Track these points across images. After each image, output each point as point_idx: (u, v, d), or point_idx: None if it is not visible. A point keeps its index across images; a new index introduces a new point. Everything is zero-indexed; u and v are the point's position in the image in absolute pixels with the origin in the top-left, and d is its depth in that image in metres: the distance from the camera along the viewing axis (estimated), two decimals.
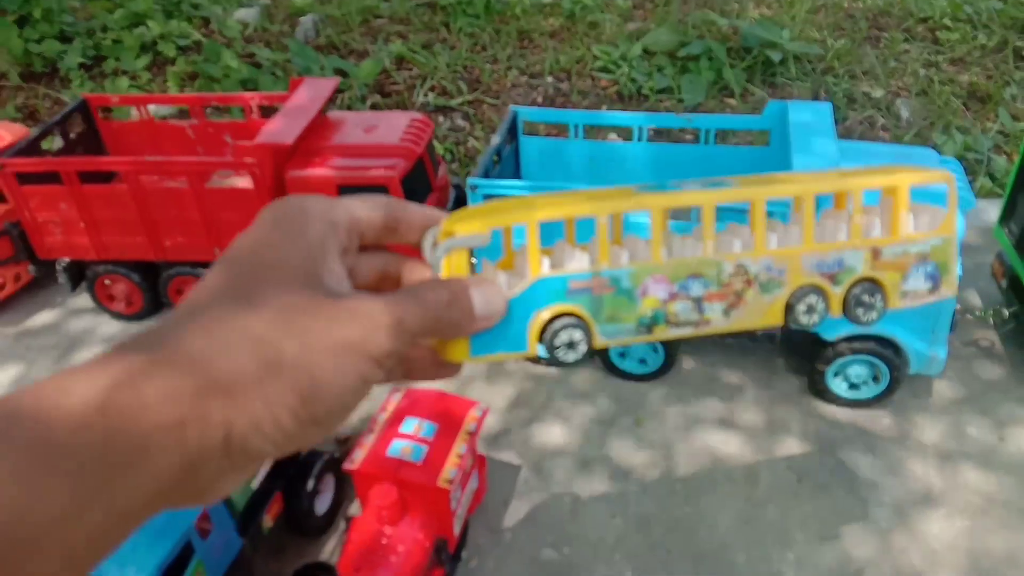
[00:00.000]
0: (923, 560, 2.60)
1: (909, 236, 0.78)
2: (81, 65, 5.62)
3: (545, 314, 0.70)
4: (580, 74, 5.61)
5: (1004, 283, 3.29)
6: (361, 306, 0.58)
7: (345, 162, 3.20)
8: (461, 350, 0.68)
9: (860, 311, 0.78)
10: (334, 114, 3.54)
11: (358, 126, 3.39)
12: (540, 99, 5.47)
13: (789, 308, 0.76)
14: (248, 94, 3.69)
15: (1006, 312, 3.20)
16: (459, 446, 2.47)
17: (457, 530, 2.52)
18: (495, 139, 3.26)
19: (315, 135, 3.32)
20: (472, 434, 2.53)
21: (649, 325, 0.73)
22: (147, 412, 0.49)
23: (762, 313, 0.76)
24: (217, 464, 0.52)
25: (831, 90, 5.29)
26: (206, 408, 0.50)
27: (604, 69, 5.62)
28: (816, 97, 5.30)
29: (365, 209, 0.67)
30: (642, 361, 3.19)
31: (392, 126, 3.36)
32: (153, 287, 3.52)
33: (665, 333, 0.73)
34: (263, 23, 6.25)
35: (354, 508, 2.76)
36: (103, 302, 3.60)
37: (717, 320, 0.75)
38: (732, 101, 5.40)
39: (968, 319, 3.27)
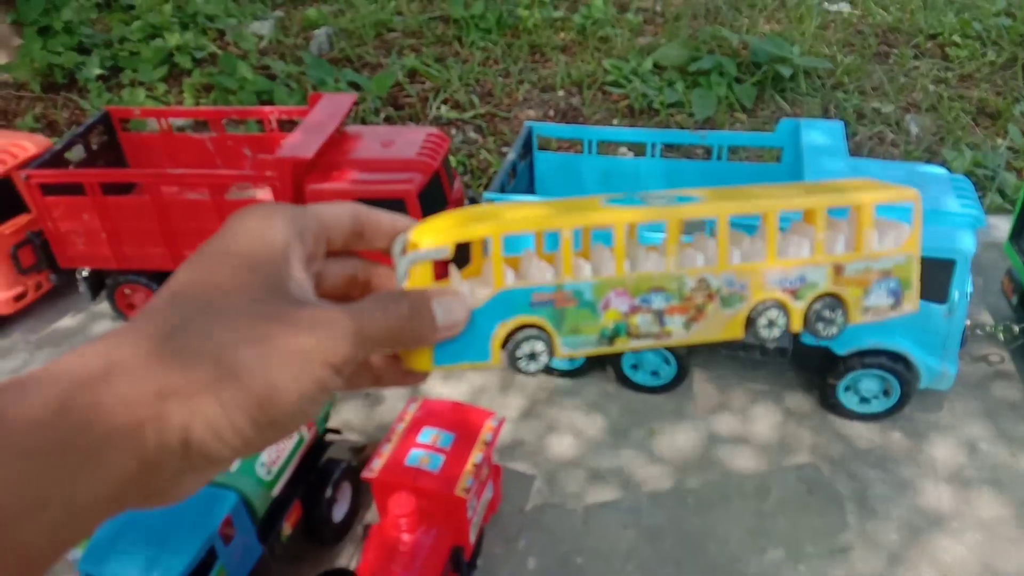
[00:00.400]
0: (934, 575, 2.63)
1: (872, 253, 0.79)
2: (99, 76, 5.69)
3: (508, 325, 0.71)
4: (591, 88, 5.67)
5: (1014, 300, 3.33)
6: (322, 314, 0.59)
7: (363, 176, 3.25)
8: (424, 359, 0.69)
9: (820, 326, 0.79)
10: (352, 128, 3.60)
11: (376, 140, 3.45)
12: (552, 112, 5.52)
13: (750, 322, 0.78)
14: (267, 108, 3.75)
15: (1016, 328, 3.24)
16: (475, 456, 2.51)
17: (473, 538, 2.56)
18: (511, 154, 3.31)
19: (334, 149, 3.37)
20: (488, 444, 2.57)
21: (611, 337, 0.74)
22: (104, 414, 0.50)
23: (723, 326, 0.77)
24: (176, 466, 0.54)
25: (841, 105, 5.33)
26: (164, 411, 0.52)
27: (615, 83, 5.67)
28: (826, 112, 5.35)
29: (332, 215, 0.68)
30: (654, 373, 3.24)
31: (409, 141, 3.41)
32: None
33: (626, 345, 0.75)
34: (277, 35, 6.32)
35: (371, 516, 2.80)
36: (123, 311, 3.65)
37: (678, 333, 0.76)
38: (742, 116, 5.45)
39: (978, 335, 3.31)
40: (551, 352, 0.73)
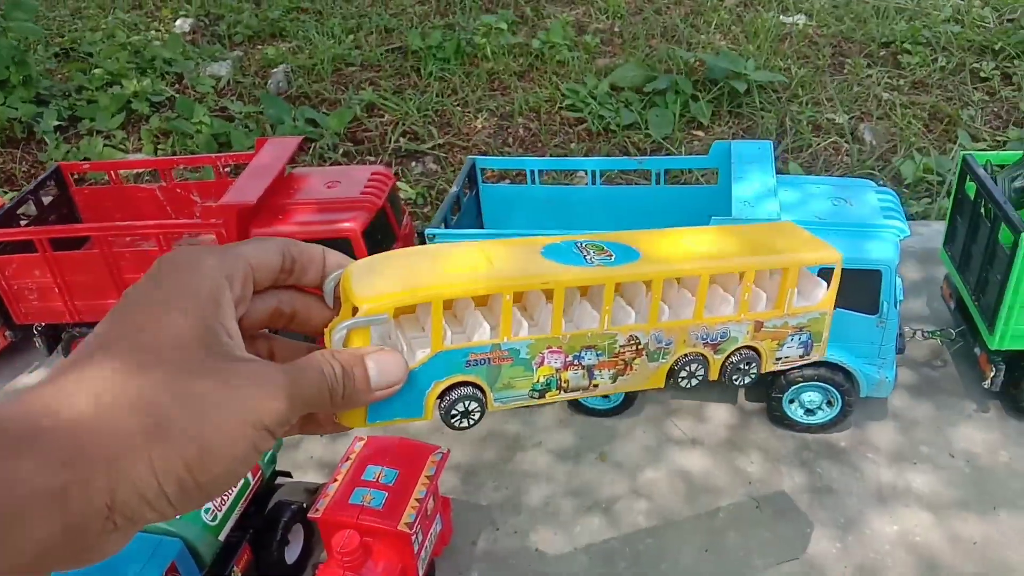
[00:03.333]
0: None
1: (792, 311, 0.83)
2: (57, 128, 5.74)
3: (444, 383, 0.71)
4: (549, 113, 5.73)
5: (952, 304, 3.38)
6: (256, 374, 0.57)
7: (308, 217, 3.30)
8: (357, 416, 0.68)
9: (735, 377, 0.83)
10: (299, 171, 3.65)
11: (321, 181, 3.49)
12: (511, 140, 5.59)
13: (672, 373, 0.81)
14: (215, 155, 3.80)
15: (953, 332, 3.29)
16: (418, 491, 2.54)
17: (422, 572, 2.58)
18: (453, 188, 3.37)
19: (279, 193, 3.42)
20: (432, 478, 2.60)
21: (542, 391, 0.75)
22: (23, 482, 0.48)
23: (646, 378, 0.80)
24: (100, 527, 0.51)
25: (795, 118, 5.40)
26: (88, 474, 0.49)
27: (572, 107, 5.74)
28: (781, 125, 5.41)
29: (260, 255, 0.66)
30: (605, 397, 3.28)
31: (353, 180, 3.46)
32: None
33: (556, 397, 0.77)
34: (236, 76, 6.38)
35: (324, 556, 2.83)
36: None
37: (605, 385, 0.78)
38: (700, 133, 5.52)
39: (919, 340, 3.36)
40: (483, 408, 0.74)
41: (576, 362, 0.75)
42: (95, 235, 3.32)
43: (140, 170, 4.68)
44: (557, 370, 0.75)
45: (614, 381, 0.78)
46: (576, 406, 3.32)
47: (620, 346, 0.76)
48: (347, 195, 3.37)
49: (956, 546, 2.76)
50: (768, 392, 3.14)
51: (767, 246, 0.82)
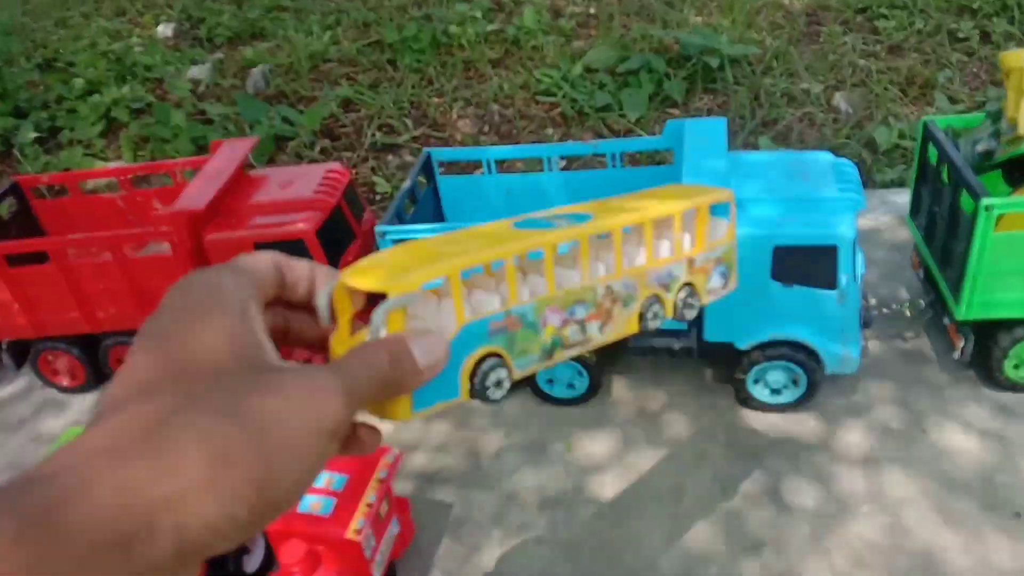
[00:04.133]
0: (845, 562, 2.62)
1: (711, 244, 0.96)
2: (36, 139, 5.73)
3: (474, 356, 0.74)
4: (524, 99, 5.68)
5: (920, 273, 3.31)
6: (307, 380, 0.54)
7: (261, 220, 3.27)
8: (404, 408, 0.68)
9: (685, 311, 0.95)
10: (256, 172, 3.62)
11: (276, 183, 3.46)
12: (487, 128, 5.54)
13: (641, 317, 0.90)
14: (173, 161, 3.77)
15: (922, 303, 3.22)
16: (369, 496, 2.52)
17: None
18: (406, 183, 3.33)
19: (234, 196, 3.39)
20: (383, 481, 2.57)
21: (550, 351, 0.80)
22: (86, 532, 0.44)
23: (625, 324, 0.88)
24: (169, 571, 0.49)
25: (769, 91, 5.32)
26: (153, 519, 0.46)
27: (547, 92, 5.68)
28: (756, 98, 5.34)
29: (261, 270, 0.65)
30: (570, 386, 3.24)
31: (308, 179, 3.42)
32: (94, 359, 3.60)
33: (561, 356, 0.82)
34: (215, 79, 6.35)
35: None
36: (48, 377, 3.68)
37: (595, 337, 0.85)
38: (675, 111, 5.45)
39: (885, 313, 3.30)
40: (510, 377, 0.78)
41: (571, 317, 0.82)
42: (50, 249, 3.30)
43: (99, 180, 4.64)
44: (557, 328, 0.81)
45: (601, 332, 0.85)
46: (542, 396, 3.28)
47: (601, 296, 0.84)
48: (300, 195, 3.34)
49: (932, 517, 2.71)
50: (731, 374, 3.09)
51: (681, 196, 0.96)
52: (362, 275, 0.69)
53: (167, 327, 0.56)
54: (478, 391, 0.74)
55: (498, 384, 0.76)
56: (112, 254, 3.28)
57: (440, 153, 3.57)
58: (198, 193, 3.28)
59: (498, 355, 0.76)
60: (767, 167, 2.99)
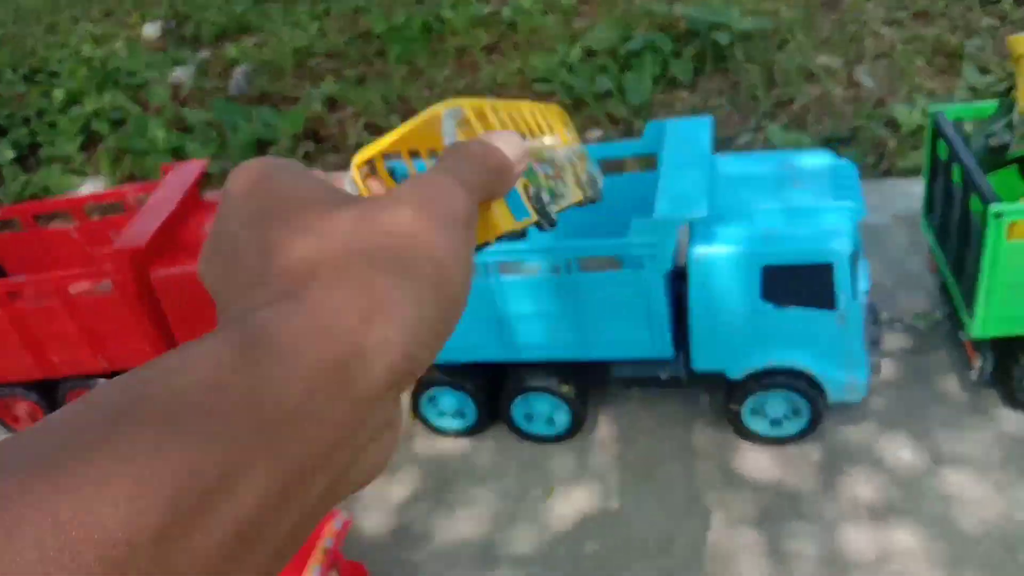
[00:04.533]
0: None
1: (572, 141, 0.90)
2: (15, 158, 5.54)
3: (523, 181, 0.69)
4: (519, 88, 5.36)
5: (938, 278, 2.96)
6: (422, 185, 0.50)
7: None
8: (504, 214, 0.62)
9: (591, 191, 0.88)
10: (211, 195, 3.37)
11: None
12: None
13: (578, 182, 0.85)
14: (125, 187, 3.54)
15: (938, 315, 2.87)
16: (312, 569, 2.27)
17: None
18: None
19: (185, 224, 3.14)
20: (329, 551, 2.32)
21: (552, 195, 0.76)
22: (292, 359, 0.40)
23: (576, 185, 0.83)
24: (376, 409, 0.43)
25: (784, 67, 4.94)
26: (360, 337, 0.42)
27: (543, 79, 5.35)
28: (770, 76, 4.96)
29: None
30: (549, 421, 2.95)
31: None
32: (53, 402, 3.39)
33: (560, 207, 0.76)
34: (199, 82, 6.10)
35: None
36: (10, 423, 3.48)
37: (572, 191, 0.80)
38: (683, 94, 5.10)
39: (897, 328, 2.96)
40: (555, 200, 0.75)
41: (547, 174, 0.77)
42: None
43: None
44: (547, 177, 0.76)
45: (567, 187, 0.80)
46: (520, 434, 3.00)
47: (560, 160, 0.81)
48: None
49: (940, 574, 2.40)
50: (726, 404, 2.79)
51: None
52: (367, 149, 0.63)
53: (251, 199, 0.49)
54: (539, 210, 0.69)
55: (553, 197, 0.72)
56: (57, 296, 3.05)
57: None
58: (141, 227, 3.03)
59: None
60: (755, 173, 2.66)
